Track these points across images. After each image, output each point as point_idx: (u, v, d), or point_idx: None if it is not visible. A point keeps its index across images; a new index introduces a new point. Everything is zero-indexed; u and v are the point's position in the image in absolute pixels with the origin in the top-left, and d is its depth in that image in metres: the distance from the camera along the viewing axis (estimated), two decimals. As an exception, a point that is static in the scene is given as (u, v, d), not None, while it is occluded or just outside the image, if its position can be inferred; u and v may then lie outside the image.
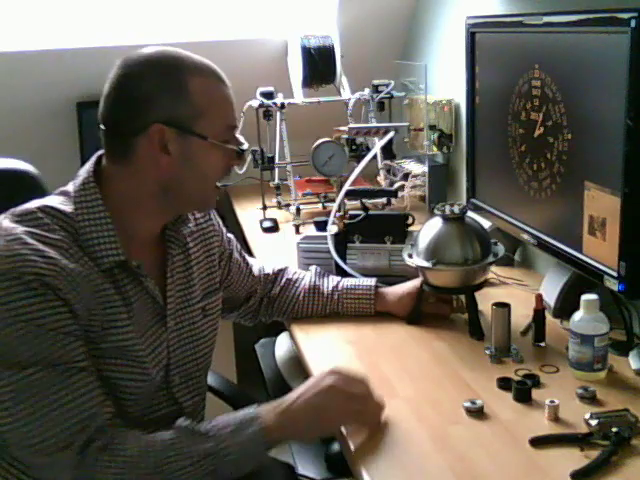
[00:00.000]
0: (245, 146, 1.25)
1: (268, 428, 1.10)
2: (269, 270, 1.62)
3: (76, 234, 1.15)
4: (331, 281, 1.59)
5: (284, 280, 1.60)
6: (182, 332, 1.29)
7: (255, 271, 1.58)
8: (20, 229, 1.11)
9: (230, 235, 1.53)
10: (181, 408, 1.27)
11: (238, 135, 1.25)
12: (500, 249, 1.49)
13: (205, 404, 1.38)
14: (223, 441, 1.09)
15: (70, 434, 1.06)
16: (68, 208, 1.17)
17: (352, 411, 1.14)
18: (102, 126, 1.20)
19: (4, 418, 1.06)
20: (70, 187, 1.21)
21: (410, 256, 1.50)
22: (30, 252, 1.08)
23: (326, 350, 1.45)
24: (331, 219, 1.70)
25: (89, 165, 1.22)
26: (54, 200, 1.18)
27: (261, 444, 1.10)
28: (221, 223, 1.48)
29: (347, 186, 1.71)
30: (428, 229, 1.49)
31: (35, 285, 1.06)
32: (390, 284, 1.60)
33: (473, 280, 1.47)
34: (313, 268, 1.63)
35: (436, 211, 1.49)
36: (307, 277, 1.60)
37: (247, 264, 1.56)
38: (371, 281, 1.58)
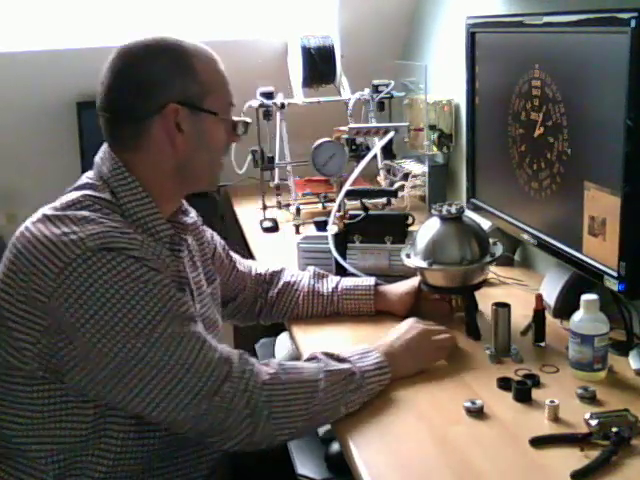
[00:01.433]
0: (244, 119, 1.31)
1: (385, 361, 1.27)
2: (262, 270, 1.62)
3: (123, 216, 1.18)
4: (330, 282, 1.59)
5: (282, 283, 1.59)
6: (205, 317, 1.33)
7: (241, 268, 1.59)
8: (80, 213, 1.13)
9: (209, 230, 1.55)
10: None
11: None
12: (498, 249, 1.49)
13: None
14: (357, 363, 1.24)
15: (220, 369, 1.12)
16: (106, 195, 1.18)
17: (440, 347, 1.35)
18: (107, 115, 1.22)
19: (151, 384, 1.08)
20: (88, 179, 1.22)
21: (408, 256, 1.50)
22: (108, 229, 1.10)
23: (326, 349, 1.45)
24: (331, 219, 1.70)
25: (106, 153, 1.23)
26: (81, 192, 1.18)
27: (385, 373, 1.25)
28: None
29: (347, 186, 1.71)
30: (426, 229, 1.49)
31: (124, 257, 1.09)
32: (389, 283, 1.60)
33: (471, 280, 1.47)
34: (311, 269, 1.63)
35: (433, 211, 1.49)
36: (305, 279, 1.60)
37: (231, 260, 1.57)
38: (370, 280, 1.58)
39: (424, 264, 1.45)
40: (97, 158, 1.25)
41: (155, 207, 1.22)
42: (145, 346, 1.08)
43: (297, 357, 1.51)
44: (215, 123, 1.24)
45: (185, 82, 1.20)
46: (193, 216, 1.40)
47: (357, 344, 1.44)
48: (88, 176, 1.23)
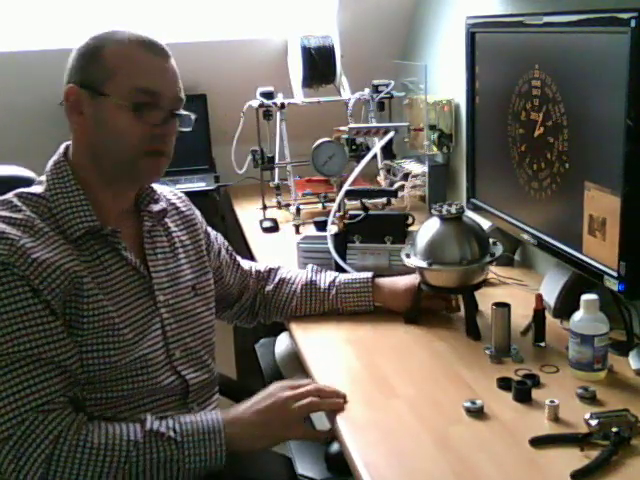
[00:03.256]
0: (162, 112, 1.23)
1: (231, 442, 1.17)
2: (259, 268, 1.64)
3: (48, 210, 1.21)
4: (328, 276, 1.59)
5: (277, 278, 1.60)
6: (175, 307, 1.33)
7: (244, 265, 1.60)
8: None
9: (213, 231, 1.56)
10: (187, 385, 1.31)
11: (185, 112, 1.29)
12: (498, 249, 1.49)
13: (216, 388, 1.41)
14: (188, 449, 1.15)
15: (10, 425, 1.08)
16: (40, 189, 1.24)
17: (304, 405, 1.21)
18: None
19: None
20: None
21: (408, 256, 1.50)
22: None
23: (326, 350, 1.45)
24: (330, 219, 1.70)
25: (60, 148, 1.30)
26: (23, 188, 1.25)
27: (222, 457, 1.16)
28: (199, 214, 1.51)
29: (347, 186, 1.71)
30: (426, 229, 1.49)
31: None
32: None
33: (471, 280, 1.47)
34: (309, 266, 1.63)
35: (433, 211, 1.49)
36: (303, 274, 1.60)
37: (234, 261, 1.58)
38: (368, 274, 1.58)
39: (424, 264, 1.45)
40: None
41: (83, 197, 1.23)
42: None
43: (297, 357, 1.51)
44: (114, 108, 1.21)
45: (88, 65, 1.23)
46: (163, 204, 1.39)
47: (357, 344, 1.45)
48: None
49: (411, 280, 1.55)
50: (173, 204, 1.43)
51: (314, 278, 1.59)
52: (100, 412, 1.19)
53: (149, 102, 1.22)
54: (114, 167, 1.25)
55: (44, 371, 1.12)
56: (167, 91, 1.24)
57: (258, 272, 1.62)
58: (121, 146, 1.23)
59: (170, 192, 1.46)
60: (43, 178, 1.27)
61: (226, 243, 1.58)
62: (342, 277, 1.59)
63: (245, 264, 1.62)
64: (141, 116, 1.22)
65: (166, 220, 1.39)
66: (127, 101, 1.21)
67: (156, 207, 1.36)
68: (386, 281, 1.58)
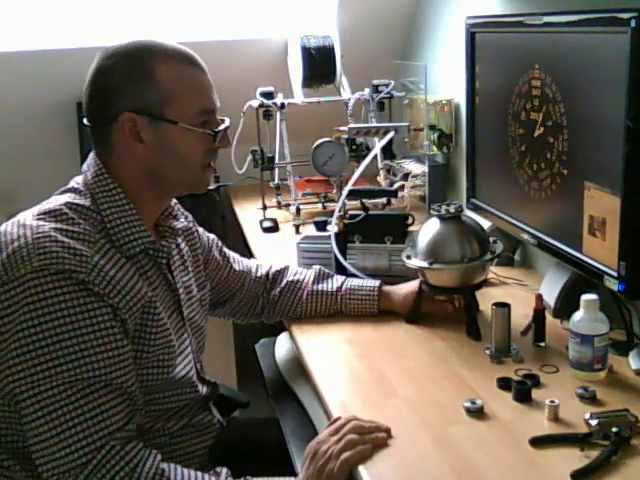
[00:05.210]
0: (222, 126, 1.26)
1: None
2: (264, 269, 1.63)
3: (101, 224, 1.17)
4: (335, 282, 1.59)
5: (285, 282, 1.60)
6: (193, 321, 1.34)
7: (238, 267, 1.59)
8: (47, 226, 1.11)
9: (211, 235, 1.55)
10: (217, 387, 1.38)
11: (220, 117, 1.27)
12: (499, 247, 1.50)
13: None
14: None
15: (88, 451, 1.06)
16: (86, 201, 1.18)
17: (339, 449, 1.10)
18: (85, 120, 1.23)
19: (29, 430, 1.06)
20: (74, 184, 1.23)
21: (409, 257, 1.51)
22: (61, 249, 1.08)
23: (326, 350, 1.45)
24: (334, 219, 1.70)
25: (92, 159, 1.24)
26: (64, 198, 1.19)
27: None
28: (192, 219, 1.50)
29: (350, 186, 1.71)
30: (426, 230, 1.49)
31: (69, 282, 1.07)
32: (391, 284, 1.60)
33: (472, 279, 1.47)
34: (316, 267, 1.63)
35: (432, 211, 1.50)
36: (309, 277, 1.60)
37: (227, 261, 1.57)
38: (375, 282, 1.58)
39: (425, 264, 1.45)
40: (84, 165, 1.25)
41: (135, 213, 1.21)
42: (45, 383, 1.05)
43: (297, 357, 1.51)
44: (180, 132, 1.20)
45: (143, 90, 1.18)
46: (183, 221, 1.40)
47: (357, 344, 1.45)
48: (76, 181, 1.24)
49: (414, 284, 1.55)
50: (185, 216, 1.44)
51: (321, 283, 1.58)
52: (145, 422, 1.20)
53: (208, 120, 1.24)
54: (178, 183, 1.26)
55: (114, 396, 1.09)
56: (216, 105, 1.26)
57: (261, 274, 1.62)
58: (189, 165, 1.24)
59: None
60: (80, 186, 1.21)
61: (219, 244, 1.57)
62: (349, 283, 1.58)
63: (242, 264, 1.61)
64: (205, 135, 1.23)
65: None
66: (193, 124, 1.21)
67: (177, 224, 1.35)
68: (391, 288, 1.58)
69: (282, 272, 1.63)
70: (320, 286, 1.58)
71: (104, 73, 1.19)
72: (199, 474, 1.13)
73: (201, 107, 1.22)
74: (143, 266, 1.22)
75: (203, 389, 1.36)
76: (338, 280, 1.59)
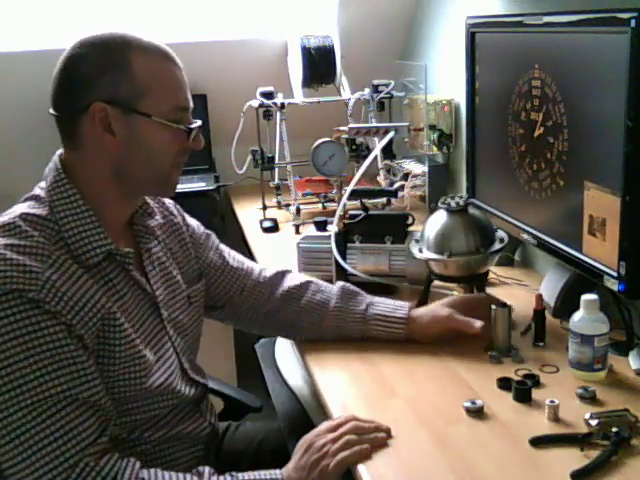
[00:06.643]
0: (194, 125, 1.22)
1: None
2: (267, 274, 1.53)
3: (58, 235, 1.13)
4: (359, 304, 1.45)
5: (304, 301, 1.47)
6: (176, 321, 1.31)
7: (235, 265, 1.50)
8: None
9: (208, 231, 1.50)
10: (206, 387, 1.35)
11: (192, 117, 1.24)
12: (504, 234, 1.55)
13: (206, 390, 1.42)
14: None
15: (62, 470, 1.04)
16: (43, 211, 1.14)
17: (340, 461, 1.09)
18: (51, 111, 1.20)
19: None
20: (38, 190, 1.20)
21: (420, 251, 1.52)
22: (9, 267, 1.05)
23: (326, 350, 1.45)
24: (336, 220, 1.70)
25: (53, 163, 1.21)
26: (23, 207, 1.15)
27: None
28: (186, 216, 1.46)
29: (352, 187, 1.71)
30: (433, 224, 1.52)
31: (19, 302, 1.03)
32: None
33: (482, 268, 1.52)
34: (340, 285, 1.51)
35: (440, 205, 1.53)
36: (331, 300, 1.47)
37: (225, 261, 1.49)
38: (403, 310, 1.43)
39: (441, 257, 1.48)
40: (47, 167, 1.21)
41: (95, 220, 1.16)
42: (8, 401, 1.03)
43: (297, 357, 1.51)
44: (153, 126, 1.16)
45: (117, 80, 1.14)
46: (159, 218, 1.34)
47: (357, 344, 1.45)
48: (40, 186, 1.20)
49: (444, 315, 1.41)
50: (162, 212, 1.38)
51: (343, 307, 1.45)
52: (119, 433, 1.17)
53: (182, 118, 1.21)
54: (145, 182, 1.21)
55: (81, 412, 1.07)
56: (190, 105, 1.23)
57: (266, 280, 1.52)
58: (159, 162, 1.20)
59: (152, 200, 1.37)
60: (41, 193, 1.18)
61: (217, 242, 1.52)
62: (374, 309, 1.44)
63: (245, 267, 1.52)
64: (178, 131, 1.19)
65: (157, 232, 1.34)
66: (168, 119, 1.18)
67: (152, 222, 1.31)
68: (420, 314, 1.43)
69: (304, 287, 1.50)
70: (342, 313, 1.45)
71: (77, 62, 1.15)
72: (180, 475, 1.12)
73: (176, 103, 1.19)
74: (108, 274, 1.17)
75: (190, 391, 1.31)
76: (363, 303, 1.45)
